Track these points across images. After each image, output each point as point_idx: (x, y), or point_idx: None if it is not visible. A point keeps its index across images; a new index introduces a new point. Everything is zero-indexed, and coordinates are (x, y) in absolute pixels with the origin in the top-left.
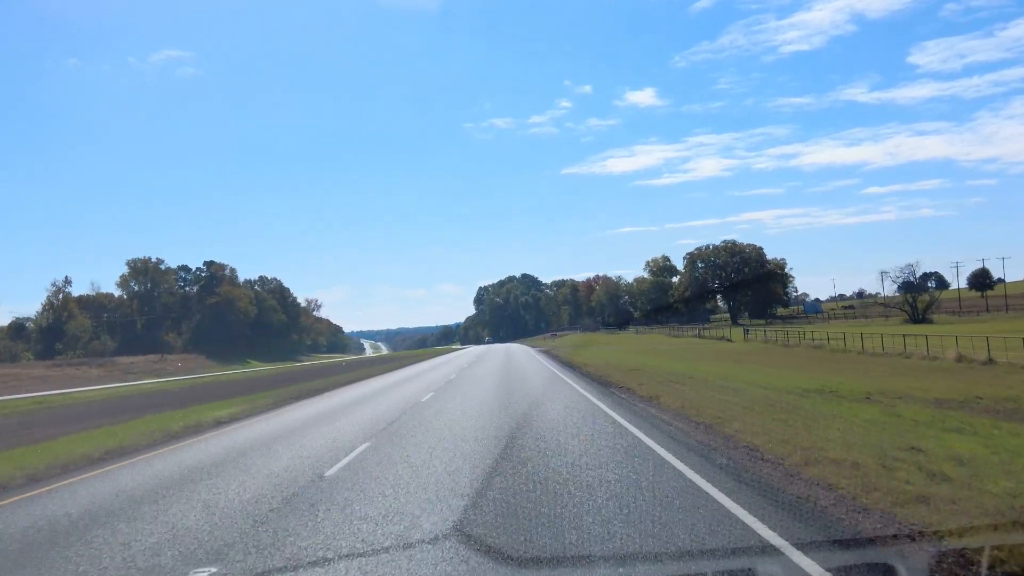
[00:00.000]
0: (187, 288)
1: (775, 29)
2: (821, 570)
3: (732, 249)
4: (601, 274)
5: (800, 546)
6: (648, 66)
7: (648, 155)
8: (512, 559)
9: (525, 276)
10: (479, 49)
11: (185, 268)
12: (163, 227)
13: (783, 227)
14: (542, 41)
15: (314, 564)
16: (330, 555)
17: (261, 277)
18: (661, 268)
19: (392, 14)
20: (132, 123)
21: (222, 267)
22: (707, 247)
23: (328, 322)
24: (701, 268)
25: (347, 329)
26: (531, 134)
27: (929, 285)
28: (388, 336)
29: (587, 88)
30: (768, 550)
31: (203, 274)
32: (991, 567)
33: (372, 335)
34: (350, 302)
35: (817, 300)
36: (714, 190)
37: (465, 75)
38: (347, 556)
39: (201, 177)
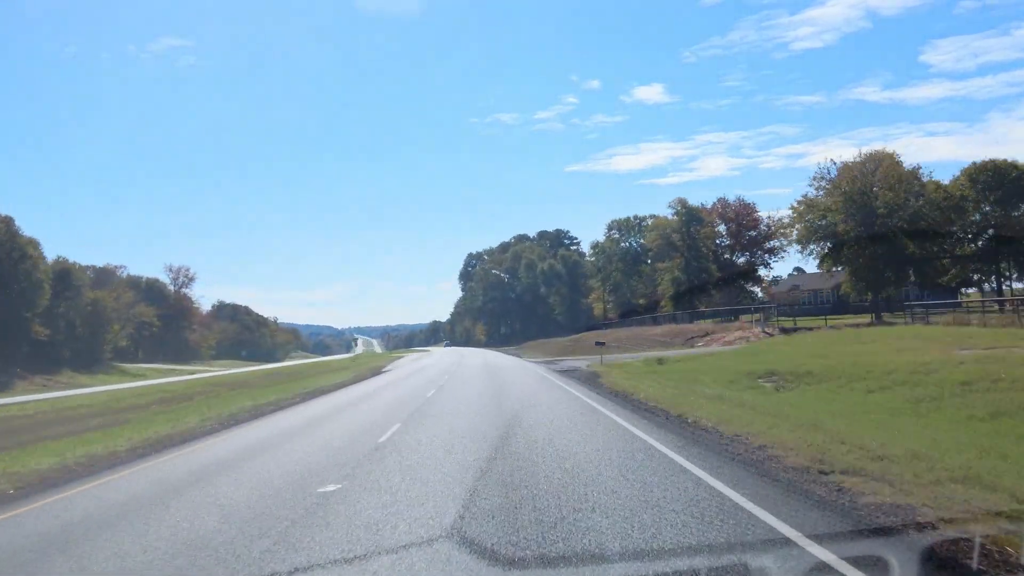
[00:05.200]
0: None
1: (787, 25)
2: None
3: None
4: (738, 197)
5: None
6: (657, 61)
7: (654, 153)
8: None
9: (544, 234)
10: (485, 42)
11: None
12: (159, 225)
13: None
14: (549, 35)
15: None
16: None
17: None
18: (858, 194)
19: (392, 7)
20: (130, 112)
21: None
22: None
23: (229, 307)
24: None
25: (348, 325)
26: (536, 130)
27: None
28: (385, 332)
29: (595, 83)
30: None
31: None
32: (981, 558)
33: (370, 331)
34: (352, 298)
35: None
36: (720, 189)
37: (471, 69)
38: None
39: (199, 175)
